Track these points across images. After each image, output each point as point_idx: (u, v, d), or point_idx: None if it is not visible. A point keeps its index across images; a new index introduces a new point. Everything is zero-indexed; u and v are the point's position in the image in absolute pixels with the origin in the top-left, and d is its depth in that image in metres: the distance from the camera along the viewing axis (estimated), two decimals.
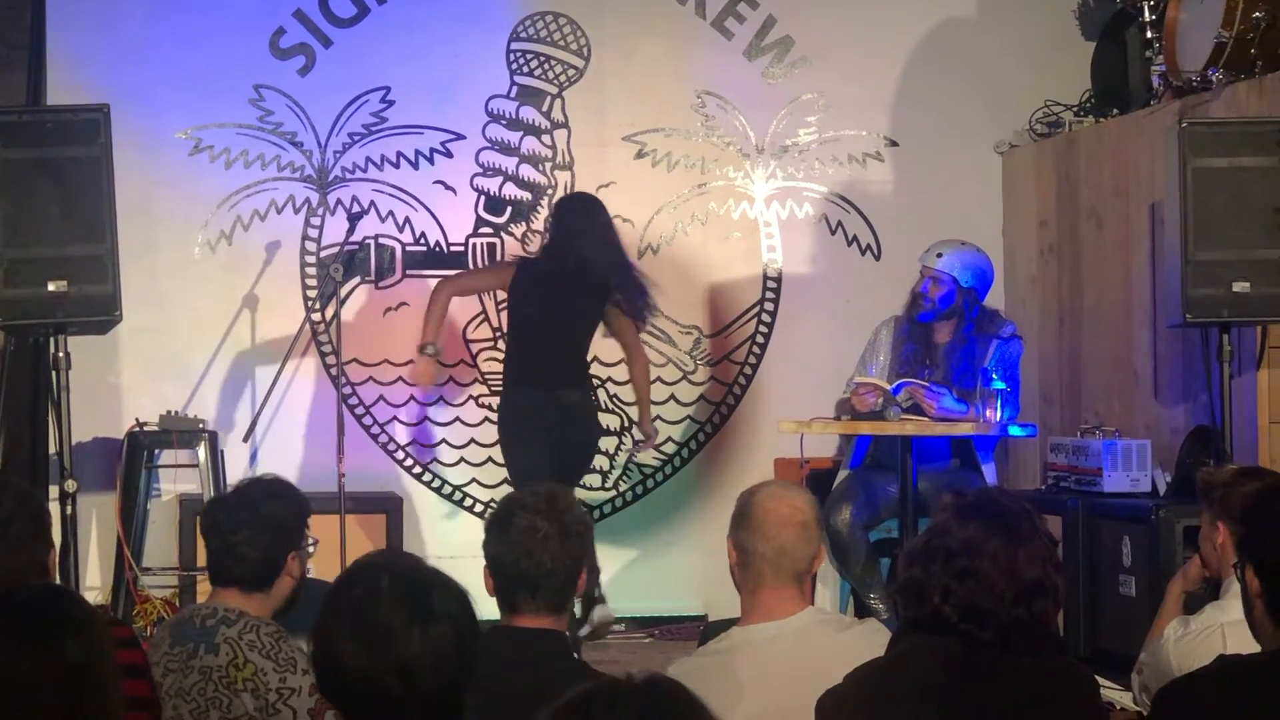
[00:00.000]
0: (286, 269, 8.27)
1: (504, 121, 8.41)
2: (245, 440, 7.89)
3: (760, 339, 8.56)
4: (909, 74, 8.63)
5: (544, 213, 8.30)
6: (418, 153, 8.38)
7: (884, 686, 3.23)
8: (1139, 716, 4.95)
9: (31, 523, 3.83)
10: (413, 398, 8.32)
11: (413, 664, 2.72)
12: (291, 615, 4.22)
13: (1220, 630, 4.34)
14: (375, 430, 8.29)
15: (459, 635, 2.77)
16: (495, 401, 8.25)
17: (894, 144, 8.65)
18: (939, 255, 7.16)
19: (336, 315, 7.66)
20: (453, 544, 7.56)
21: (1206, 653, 4.11)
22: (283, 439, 8.12)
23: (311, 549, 4.34)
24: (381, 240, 8.32)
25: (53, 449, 7.16)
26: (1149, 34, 7.61)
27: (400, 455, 8.32)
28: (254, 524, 4.17)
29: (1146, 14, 7.65)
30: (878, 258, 8.59)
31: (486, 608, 3.23)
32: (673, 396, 8.50)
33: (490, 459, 8.24)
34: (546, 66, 8.47)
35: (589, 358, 7.45)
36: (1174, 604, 4.91)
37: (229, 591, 4.19)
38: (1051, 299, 8.25)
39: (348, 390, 8.05)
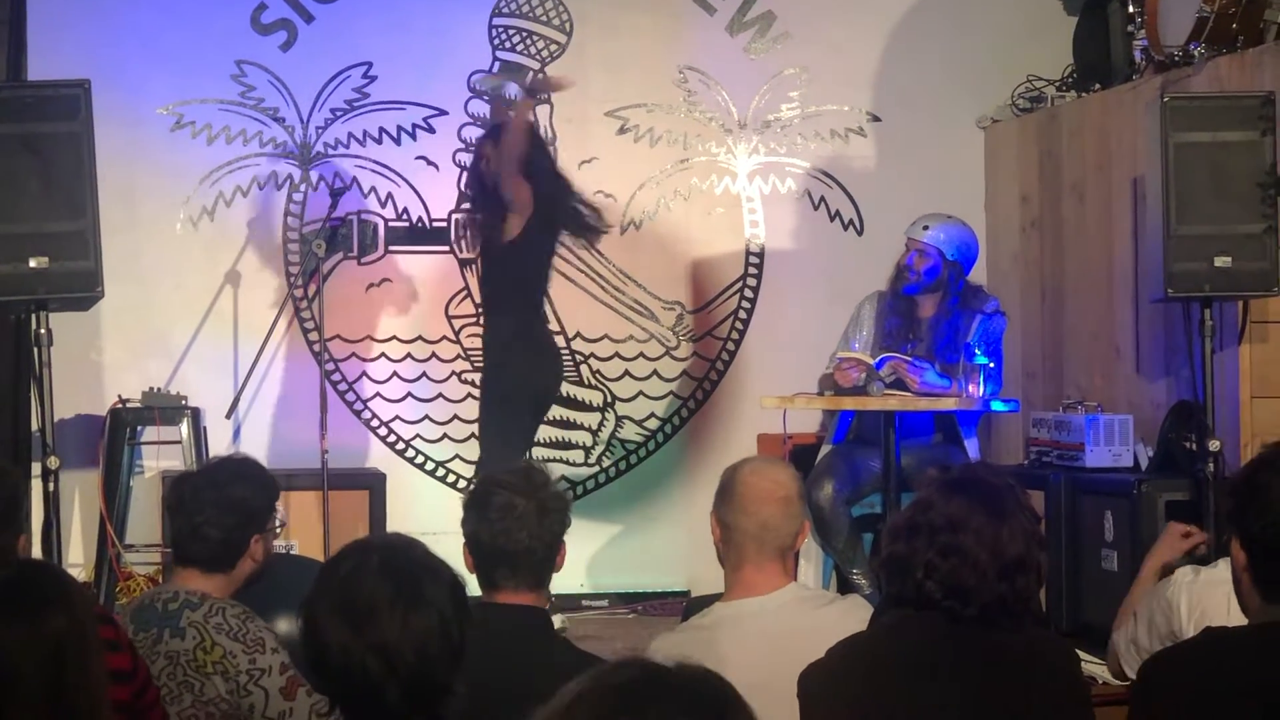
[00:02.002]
0: (269, 245, 8.26)
1: (486, 97, 8.38)
2: (228, 417, 7.87)
3: (743, 314, 8.56)
4: (891, 49, 8.62)
5: None
6: (400, 128, 8.36)
7: (866, 661, 3.24)
8: (1125, 690, 4.95)
9: (2, 507, 3.79)
10: (395, 374, 8.31)
11: (393, 646, 2.71)
12: (269, 592, 4.19)
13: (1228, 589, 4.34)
14: (358, 406, 8.28)
15: (444, 624, 2.75)
16: (478, 378, 8.26)
17: (876, 119, 8.64)
18: (925, 228, 7.17)
19: (319, 291, 7.64)
20: (435, 521, 7.54)
21: (1214, 604, 4.11)
22: (265, 415, 8.11)
23: (278, 530, 4.30)
24: (364, 216, 8.31)
25: (35, 426, 7.14)
26: (1131, 8, 7.61)
27: (383, 431, 8.31)
28: (219, 504, 4.13)
29: None
30: (860, 233, 8.59)
31: (468, 585, 3.22)
32: (655, 372, 8.49)
33: (473, 435, 8.24)
34: (529, 42, 8.45)
35: None
36: (1149, 577, 4.92)
37: (189, 572, 4.15)
38: (1033, 274, 8.26)
39: (330, 366, 8.04)
